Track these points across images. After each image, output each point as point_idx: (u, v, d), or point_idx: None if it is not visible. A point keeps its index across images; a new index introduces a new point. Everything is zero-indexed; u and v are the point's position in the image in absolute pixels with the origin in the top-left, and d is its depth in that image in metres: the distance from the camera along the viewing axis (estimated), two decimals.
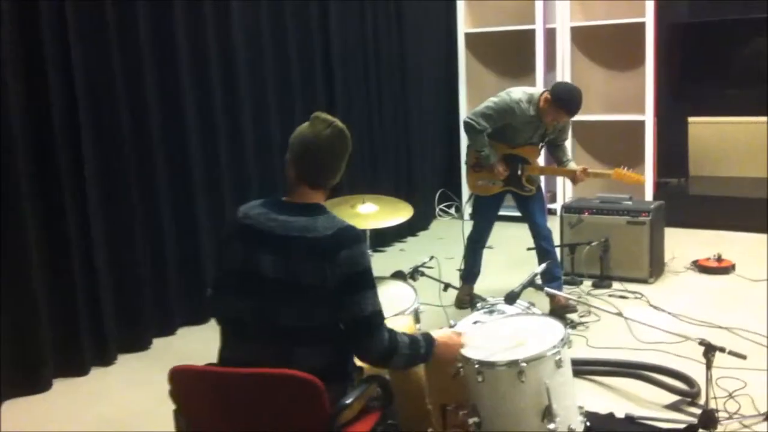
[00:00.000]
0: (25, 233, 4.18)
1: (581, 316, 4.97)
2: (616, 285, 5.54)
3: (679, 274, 5.80)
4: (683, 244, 6.39)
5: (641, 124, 7.09)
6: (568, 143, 5.35)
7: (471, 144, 4.97)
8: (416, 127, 7.36)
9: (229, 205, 5.23)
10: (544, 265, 3.80)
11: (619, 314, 4.02)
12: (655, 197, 7.07)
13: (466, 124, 4.90)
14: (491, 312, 3.50)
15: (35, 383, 4.29)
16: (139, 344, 4.83)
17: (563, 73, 7.33)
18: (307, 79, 6.11)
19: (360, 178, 6.57)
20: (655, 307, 5.11)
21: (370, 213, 3.75)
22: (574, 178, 5.04)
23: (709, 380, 3.41)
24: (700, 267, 5.82)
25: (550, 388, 2.86)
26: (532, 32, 7.31)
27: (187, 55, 5.08)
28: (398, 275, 3.63)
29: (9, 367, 4.19)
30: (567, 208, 5.83)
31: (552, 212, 6.97)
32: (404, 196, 6.95)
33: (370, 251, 6.40)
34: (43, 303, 4.30)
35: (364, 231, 3.72)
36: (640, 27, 6.91)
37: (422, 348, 2.74)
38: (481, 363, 2.90)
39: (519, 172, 4.96)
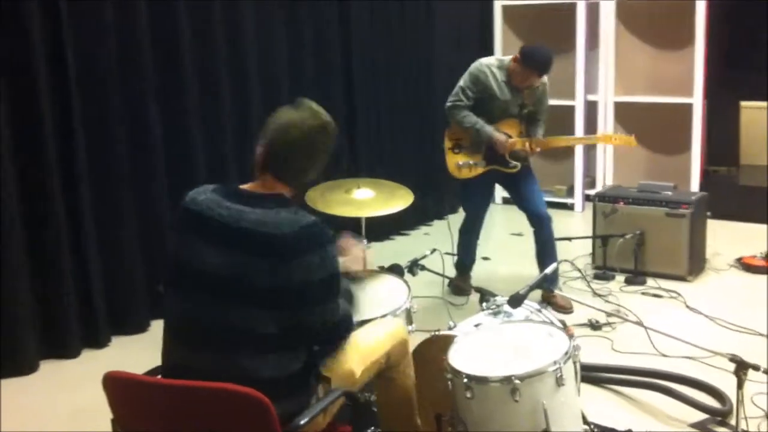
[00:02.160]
0: (8, 212, 3.96)
1: (609, 315, 4.57)
2: (651, 282, 5.10)
3: (721, 272, 5.34)
4: (728, 239, 5.92)
5: (689, 107, 6.60)
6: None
7: (461, 125, 4.58)
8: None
9: None
10: (554, 265, 3.42)
11: (639, 323, 3.63)
12: (702, 187, 6.61)
13: (447, 108, 4.61)
14: (496, 314, 3.14)
15: (20, 365, 4.08)
16: (135, 326, 4.58)
17: (607, 51, 6.87)
18: (323, 69, 5.82)
19: (381, 158, 6.27)
20: (691, 309, 4.68)
21: (366, 200, 3.40)
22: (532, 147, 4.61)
23: (740, 400, 3.03)
24: (745, 265, 5.35)
25: (549, 410, 2.51)
26: (574, 6, 6.84)
27: (192, 53, 4.80)
28: (395, 269, 3.28)
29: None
30: (601, 197, 5.40)
31: (590, 199, 6.53)
32: (429, 177, 6.70)
33: (394, 236, 6.32)
34: (28, 282, 4.10)
35: (355, 221, 3.43)
36: (691, 3, 6.41)
37: (352, 305, 2.54)
38: (470, 377, 2.56)
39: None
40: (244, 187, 2.35)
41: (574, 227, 6.39)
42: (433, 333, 3.05)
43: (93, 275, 4.35)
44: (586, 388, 3.64)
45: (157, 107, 4.61)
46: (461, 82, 4.59)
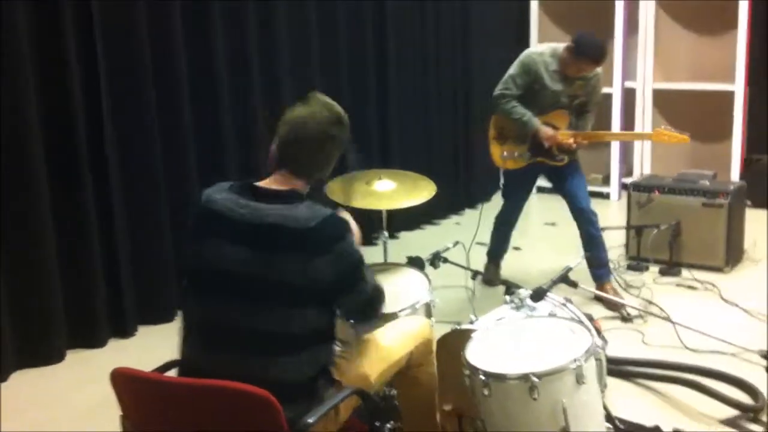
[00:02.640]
0: (40, 202, 3.98)
1: (642, 307, 4.46)
2: (686, 273, 4.97)
3: (760, 263, 5.17)
4: None
5: (730, 94, 6.42)
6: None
7: (509, 115, 4.45)
8: (480, 91, 6.82)
9: None
10: (579, 259, 3.34)
11: (667, 318, 3.53)
12: (743, 176, 6.44)
13: (495, 97, 4.46)
14: (519, 308, 3.07)
15: (47, 354, 4.09)
16: (161, 316, 4.57)
17: (646, 37, 6.70)
18: (356, 61, 5.73)
19: (413, 147, 6.19)
20: (727, 301, 4.55)
21: (386, 191, 3.33)
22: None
23: None
24: None
25: (568, 409, 2.45)
26: None
27: (225, 54, 4.78)
28: (415, 262, 3.22)
29: (20, 337, 4.01)
30: (636, 186, 5.28)
31: (627, 188, 6.40)
32: (460, 166, 6.62)
33: (425, 225, 6.25)
34: (58, 271, 4.10)
35: (380, 212, 3.37)
36: None
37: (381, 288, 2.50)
38: (488, 374, 2.49)
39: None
40: (259, 184, 2.34)
41: (610, 217, 6.25)
42: (453, 327, 3.00)
43: (121, 264, 4.35)
44: (613, 382, 3.55)
45: (189, 101, 4.61)
46: (511, 71, 4.44)
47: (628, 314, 4.32)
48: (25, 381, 3.94)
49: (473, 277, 3.45)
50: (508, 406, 2.49)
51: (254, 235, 2.20)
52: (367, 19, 5.74)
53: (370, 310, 2.44)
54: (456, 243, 3.49)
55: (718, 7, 6.50)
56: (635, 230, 5.13)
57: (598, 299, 4.58)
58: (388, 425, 2.72)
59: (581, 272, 4.58)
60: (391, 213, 5.88)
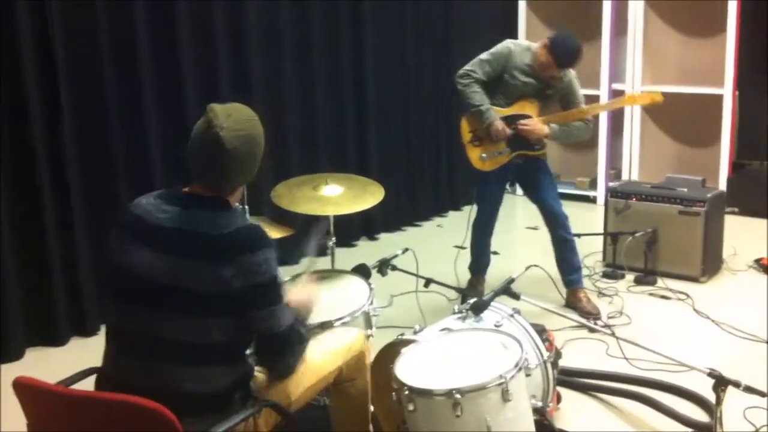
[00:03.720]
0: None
1: (610, 317, 4.39)
2: (662, 282, 4.87)
3: (738, 273, 5.07)
4: (754, 238, 5.63)
5: (719, 98, 6.30)
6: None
7: (466, 98, 4.31)
8: None
9: None
10: (523, 270, 3.26)
11: (612, 334, 3.46)
12: (732, 181, 6.34)
13: (457, 76, 4.31)
14: (465, 318, 3.01)
15: (6, 352, 4.07)
16: None
17: (635, 38, 6.59)
18: (333, 64, 5.68)
19: (391, 149, 6.15)
20: (699, 312, 4.46)
21: (333, 197, 3.26)
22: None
23: (719, 417, 2.86)
24: (764, 266, 5.07)
25: (493, 426, 2.39)
26: None
27: (190, 58, 4.73)
28: (361, 270, 3.15)
29: None
30: (613, 192, 5.19)
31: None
32: (443, 167, 6.54)
33: (406, 227, 6.18)
34: (15, 268, 4.07)
35: (326, 218, 3.29)
36: None
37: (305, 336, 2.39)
38: (413, 389, 2.43)
39: (519, 131, 4.33)
40: (186, 189, 2.27)
41: (595, 222, 6.16)
42: (397, 336, 2.94)
43: (81, 262, 4.31)
44: (569, 394, 3.51)
45: (155, 102, 4.57)
46: (483, 55, 4.34)
47: (595, 323, 4.24)
48: None
49: (426, 285, 3.37)
50: (433, 421, 2.43)
51: (168, 240, 2.16)
52: (343, 19, 5.67)
53: (282, 350, 2.28)
54: (405, 250, 3.41)
55: (708, 9, 6.38)
56: (611, 237, 5.04)
57: (570, 306, 4.52)
58: None
59: (551, 275, 4.53)
60: (371, 214, 5.87)
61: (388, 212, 6.09)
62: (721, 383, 2.83)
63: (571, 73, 4.37)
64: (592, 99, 6.50)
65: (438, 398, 2.39)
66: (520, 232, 6.09)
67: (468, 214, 4.80)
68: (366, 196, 3.24)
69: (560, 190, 4.48)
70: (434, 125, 6.51)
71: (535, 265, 3.36)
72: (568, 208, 4.59)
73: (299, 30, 5.36)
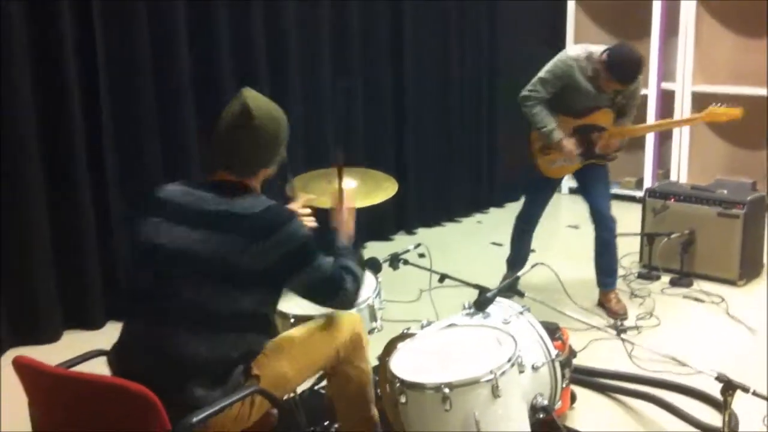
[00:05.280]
0: (34, 188, 4.11)
1: (639, 318, 4.34)
2: (699, 284, 4.78)
3: None
4: None
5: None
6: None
7: (531, 120, 4.30)
8: (508, 88, 6.68)
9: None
10: (528, 268, 3.25)
11: (618, 335, 3.43)
12: None
13: (521, 98, 4.28)
14: (473, 315, 3.02)
15: (42, 333, 4.21)
16: None
17: (686, 37, 6.44)
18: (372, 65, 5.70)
19: (431, 145, 6.15)
20: (732, 317, 4.37)
21: (346, 191, 3.27)
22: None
23: (726, 422, 2.81)
24: None
25: (481, 422, 2.40)
26: None
27: (229, 46, 4.82)
28: (371, 264, 3.17)
29: (15, 316, 4.14)
30: (651, 193, 5.12)
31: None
32: (484, 164, 6.51)
33: (445, 222, 6.19)
34: (51, 253, 4.21)
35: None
36: None
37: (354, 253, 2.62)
38: (404, 382, 2.46)
39: (593, 142, 4.32)
40: (209, 177, 2.43)
41: (637, 222, 6.07)
42: (403, 330, 2.97)
43: (117, 247, 4.42)
44: (585, 393, 3.49)
45: (191, 99, 4.67)
46: (542, 73, 4.26)
47: (622, 324, 4.20)
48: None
49: (441, 281, 3.38)
50: (423, 415, 2.46)
51: (195, 217, 2.32)
52: (382, 17, 5.69)
53: (331, 287, 2.45)
54: (417, 245, 3.43)
55: (761, 8, 6.22)
56: (647, 238, 4.97)
57: (600, 306, 4.49)
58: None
59: (583, 275, 4.52)
60: (407, 209, 5.88)
61: (426, 207, 6.13)
62: (729, 387, 2.78)
63: (638, 80, 4.26)
64: (641, 99, 6.41)
65: (428, 392, 2.42)
66: (560, 230, 6.04)
67: (509, 211, 4.78)
68: (379, 191, 3.24)
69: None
70: (475, 122, 6.49)
71: (542, 263, 3.33)
72: (612, 208, 4.54)
73: (337, 27, 5.42)
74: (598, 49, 4.18)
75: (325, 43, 5.34)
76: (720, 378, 2.81)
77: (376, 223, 5.72)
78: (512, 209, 6.64)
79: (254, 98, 2.40)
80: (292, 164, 3.00)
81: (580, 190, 4.60)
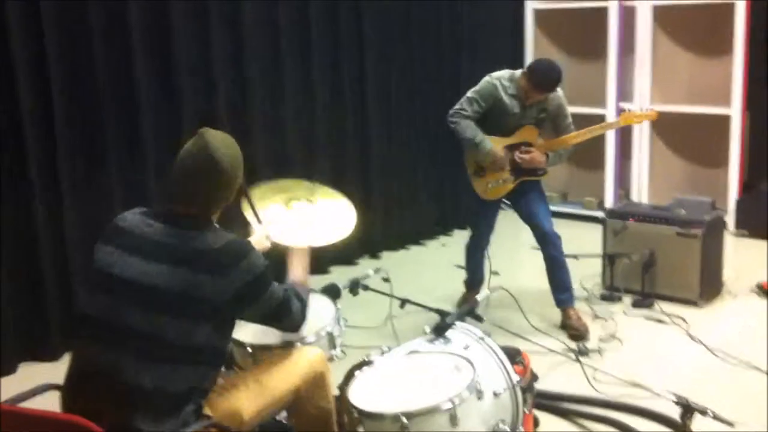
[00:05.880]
0: None
1: (602, 341, 4.33)
2: (661, 305, 4.79)
3: (738, 297, 4.96)
4: (761, 261, 5.51)
5: (728, 118, 6.21)
6: None
7: (460, 136, 4.41)
8: None
9: None
10: (488, 293, 3.23)
11: (577, 359, 3.42)
12: (741, 202, 6.24)
13: (450, 116, 4.42)
14: (433, 340, 2.98)
15: None
16: None
17: (643, 57, 6.52)
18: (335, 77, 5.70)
19: (395, 165, 6.15)
20: (692, 337, 4.38)
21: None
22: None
23: None
24: (766, 291, 4.95)
25: None
26: (606, 10, 6.54)
27: (187, 54, 4.78)
28: (329, 290, 3.14)
29: None
30: (611, 213, 5.14)
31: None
32: (448, 186, 6.50)
33: (410, 245, 6.16)
34: (8, 284, 4.13)
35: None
36: (731, 6, 6.03)
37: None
38: (362, 412, 2.43)
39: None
40: (170, 209, 2.39)
41: (599, 243, 6.11)
42: (364, 357, 2.92)
43: (74, 276, 4.34)
44: (547, 418, 3.47)
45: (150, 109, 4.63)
46: (469, 93, 4.43)
47: (585, 347, 4.19)
48: None
49: (401, 306, 3.35)
50: None
51: (154, 250, 2.29)
52: (344, 22, 5.70)
53: (280, 311, 2.48)
54: (377, 270, 3.40)
55: (717, 28, 6.31)
56: (608, 258, 4.99)
57: (563, 327, 4.49)
58: None
59: (546, 296, 4.51)
60: (373, 233, 5.84)
61: (392, 231, 6.11)
62: (687, 411, 2.79)
63: (560, 96, 4.42)
64: (598, 118, 6.44)
65: (386, 421, 2.39)
66: (524, 252, 6.04)
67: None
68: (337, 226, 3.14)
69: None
70: (439, 145, 6.49)
71: (503, 288, 3.32)
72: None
73: (299, 33, 5.40)
74: (518, 71, 4.38)
75: (285, 48, 5.33)
76: (679, 402, 2.82)
77: (341, 247, 5.67)
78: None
79: (214, 140, 2.38)
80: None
81: (518, 212, 4.63)
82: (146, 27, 4.55)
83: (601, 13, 6.59)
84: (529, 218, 4.51)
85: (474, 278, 4.81)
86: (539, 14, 7.05)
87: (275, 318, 2.50)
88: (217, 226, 2.43)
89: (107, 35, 4.39)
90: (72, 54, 4.27)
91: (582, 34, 6.85)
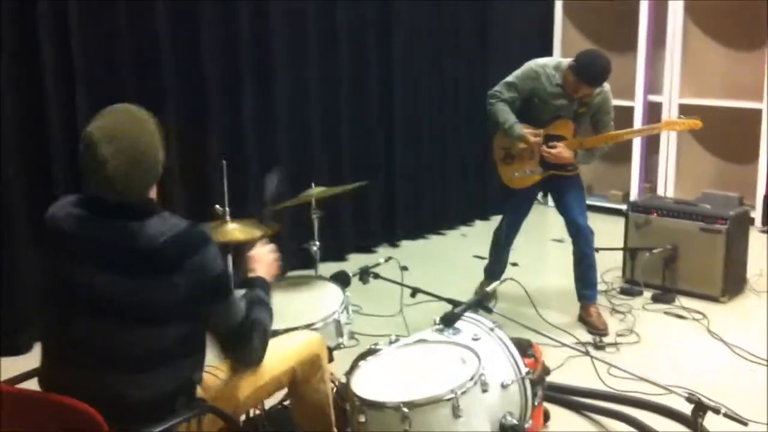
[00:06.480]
0: None
1: (619, 335, 4.28)
2: (681, 300, 4.72)
3: (762, 295, 4.87)
4: None
5: (759, 113, 6.09)
6: None
7: (493, 118, 4.32)
8: None
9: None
10: (497, 283, 3.19)
11: (586, 353, 3.36)
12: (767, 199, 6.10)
13: (487, 96, 4.34)
14: (442, 330, 2.96)
15: None
16: None
17: (673, 49, 6.41)
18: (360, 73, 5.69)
19: (419, 158, 6.10)
20: (713, 334, 4.31)
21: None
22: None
23: None
24: None
25: None
26: (637, 2, 6.44)
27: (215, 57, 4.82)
28: (339, 277, 3.12)
29: None
30: (634, 207, 5.07)
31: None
32: (473, 173, 6.46)
33: (430, 235, 6.13)
34: None
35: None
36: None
37: (269, 308, 2.47)
38: (364, 401, 2.40)
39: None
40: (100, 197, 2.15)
41: (622, 236, 6.04)
42: (370, 346, 2.91)
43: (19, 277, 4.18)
44: (558, 411, 3.44)
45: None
46: (510, 77, 4.33)
47: (601, 341, 4.15)
48: None
49: (412, 295, 3.32)
50: None
51: (97, 254, 2.10)
52: (371, 23, 5.68)
53: (237, 340, 2.29)
54: (388, 259, 3.37)
55: (751, 21, 6.18)
56: (630, 253, 4.92)
57: (580, 320, 4.44)
58: None
59: (565, 291, 4.46)
60: (393, 220, 5.83)
61: (411, 219, 6.08)
62: (699, 408, 2.72)
63: (606, 90, 4.28)
64: (626, 111, 6.38)
65: (387, 411, 2.36)
66: (545, 244, 5.99)
67: (495, 224, 4.77)
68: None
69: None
70: (464, 135, 6.45)
71: (512, 279, 3.27)
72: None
73: (325, 35, 5.39)
74: (565, 60, 4.24)
75: (312, 52, 5.33)
76: (691, 399, 2.76)
77: (360, 235, 5.69)
78: (498, 222, 6.60)
79: (106, 146, 2.05)
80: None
81: (555, 204, 4.57)
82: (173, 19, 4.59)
83: (632, 6, 6.48)
84: (564, 211, 4.44)
85: (493, 268, 4.71)
86: (569, 6, 6.94)
87: (229, 345, 2.30)
88: (161, 206, 2.19)
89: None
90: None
91: (612, 26, 6.74)
